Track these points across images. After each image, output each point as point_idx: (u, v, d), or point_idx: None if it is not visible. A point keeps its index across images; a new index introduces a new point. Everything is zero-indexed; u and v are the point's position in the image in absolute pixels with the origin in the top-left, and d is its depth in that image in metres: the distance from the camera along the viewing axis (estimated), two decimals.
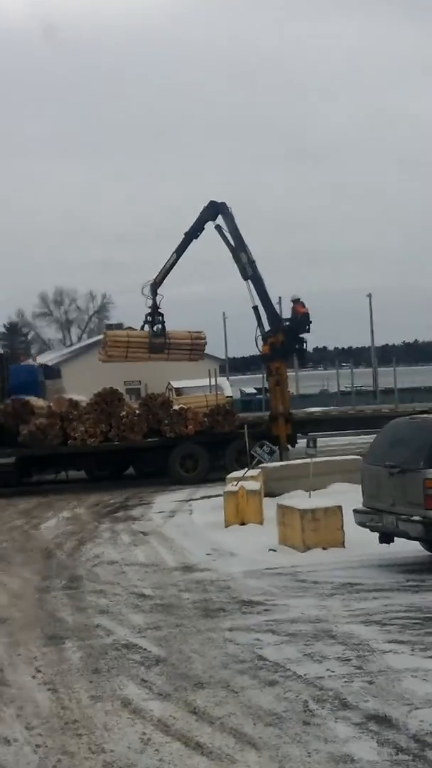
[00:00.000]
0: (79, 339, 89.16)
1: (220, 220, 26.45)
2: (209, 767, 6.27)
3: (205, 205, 26.78)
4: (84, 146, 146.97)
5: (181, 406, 25.46)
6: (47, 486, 25.66)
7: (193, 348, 27.58)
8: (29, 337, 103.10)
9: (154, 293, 27.47)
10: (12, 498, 23.29)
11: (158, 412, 24.96)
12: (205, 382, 28.51)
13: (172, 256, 27.34)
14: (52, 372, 33.91)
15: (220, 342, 47.50)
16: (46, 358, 53.24)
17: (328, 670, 8.05)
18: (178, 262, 27.35)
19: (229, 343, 46.88)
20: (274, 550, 13.68)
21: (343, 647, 8.70)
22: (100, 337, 61.26)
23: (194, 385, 29.43)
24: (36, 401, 25.80)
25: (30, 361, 38.38)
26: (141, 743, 6.76)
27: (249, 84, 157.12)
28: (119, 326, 59.01)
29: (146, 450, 25.53)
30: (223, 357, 47.99)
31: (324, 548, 13.20)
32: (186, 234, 27.05)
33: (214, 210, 26.53)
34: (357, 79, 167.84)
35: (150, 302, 27.53)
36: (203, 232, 26.89)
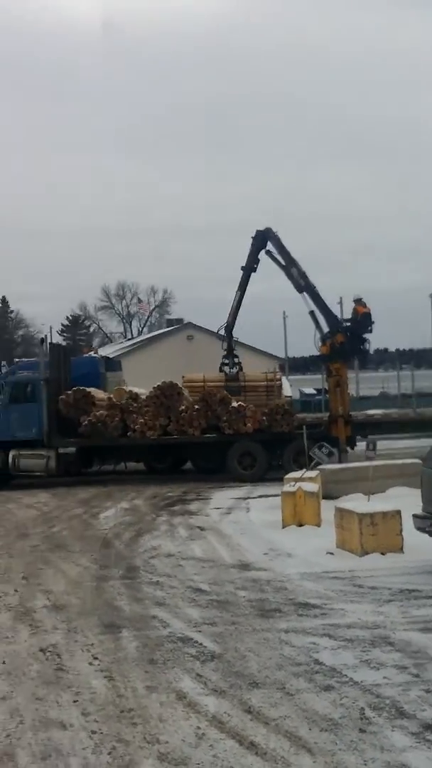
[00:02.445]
0: (140, 332, 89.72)
1: (268, 245, 26.81)
2: None
3: (253, 236, 27.18)
4: (145, 141, 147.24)
5: (240, 403, 25.42)
6: (107, 476, 25.91)
7: (269, 389, 27.50)
8: (91, 329, 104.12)
9: (230, 336, 27.79)
10: (73, 487, 23.59)
11: (217, 409, 24.97)
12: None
13: (236, 294, 27.78)
14: (113, 364, 34.03)
15: (280, 341, 47.15)
16: (108, 351, 53.61)
17: (385, 677, 7.99)
18: (244, 298, 27.76)
19: (289, 343, 46.59)
20: (332, 554, 13.58)
21: (400, 654, 8.64)
22: (161, 331, 61.92)
23: None
24: (97, 393, 25.98)
25: (92, 354, 38.53)
26: (195, 737, 6.80)
27: (304, 81, 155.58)
28: (179, 321, 59.49)
29: (204, 445, 25.57)
30: (283, 356, 47.70)
31: (382, 553, 13.07)
32: (243, 269, 27.47)
33: (262, 238, 26.92)
34: (414, 76, 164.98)
35: (225, 345, 27.80)
36: (259, 263, 27.26)
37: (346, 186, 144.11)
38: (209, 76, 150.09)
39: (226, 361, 27.74)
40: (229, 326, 27.88)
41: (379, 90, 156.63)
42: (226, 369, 27.60)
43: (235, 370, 27.51)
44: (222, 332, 28.00)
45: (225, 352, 27.84)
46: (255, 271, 27.36)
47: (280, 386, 27.95)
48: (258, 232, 27.05)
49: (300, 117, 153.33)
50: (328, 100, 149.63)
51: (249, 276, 27.43)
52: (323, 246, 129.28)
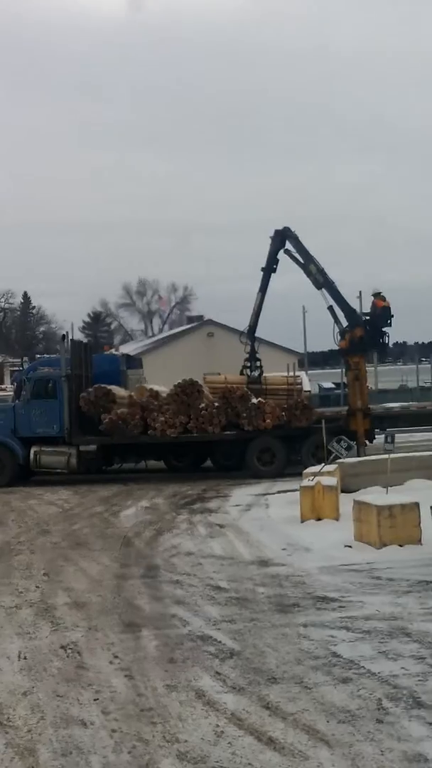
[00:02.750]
0: (161, 330, 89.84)
1: (287, 244, 26.83)
2: (281, 763, 6.35)
3: (271, 236, 27.20)
4: (166, 135, 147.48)
5: (259, 399, 25.43)
6: (127, 474, 26.00)
7: (289, 393, 27.39)
8: (112, 327, 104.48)
9: (252, 339, 27.78)
10: (93, 485, 23.71)
11: (237, 405, 25.00)
12: (283, 375, 28.45)
13: (257, 296, 27.71)
14: (134, 362, 34.11)
15: (299, 336, 47.21)
16: (128, 348, 53.78)
17: (402, 668, 8.06)
18: (265, 299, 27.68)
19: (308, 337, 46.65)
20: (350, 546, 13.63)
21: (418, 645, 8.70)
22: (182, 328, 62.05)
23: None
24: (118, 391, 26.03)
25: (112, 351, 38.75)
26: (214, 735, 6.88)
27: (327, 80, 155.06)
28: (200, 318, 59.57)
29: (224, 443, 25.64)
30: (302, 351, 47.69)
31: (400, 545, 13.10)
32: (263, 270, 27.46)
33: (281, 238, 26.94)
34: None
35: (248, 348, 27.82)
36: (278, 264, 27.26)
37: (368, 181, 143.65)
38: (232, 71, 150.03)
39: (248, 365, 27.77)
40: (252, 329, 27.88)
41: (400, 85, 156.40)
42: (248, 371, 27.60)
43: (257, 373, 27.52)
44: (245, 337, 27.98)
45: (247, 356, 27.85)
46: (275, 271, 27.36)
47: (301, 390, 27.79)
48: (276, 231, 27.05)
49: (322, 112, 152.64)
50: (348, 94, 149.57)
51: (269, 277, 27.43)
52: (343, 241, 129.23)
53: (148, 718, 7.27)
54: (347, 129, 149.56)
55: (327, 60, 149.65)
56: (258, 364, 27.69)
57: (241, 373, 27.55)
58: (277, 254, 27.06)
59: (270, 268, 27.30)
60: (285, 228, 26.91)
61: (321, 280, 25.93)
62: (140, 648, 9.18)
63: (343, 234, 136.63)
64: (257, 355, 27.77)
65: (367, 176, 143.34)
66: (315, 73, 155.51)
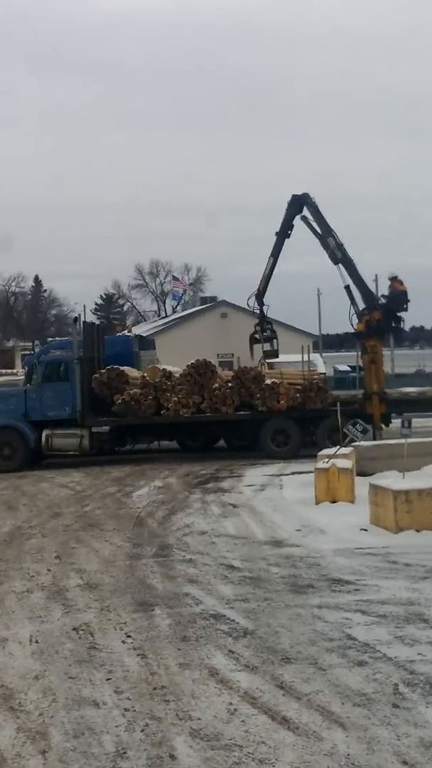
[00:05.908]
0: (174, 311, 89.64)
1: (305, 211, 26.40)
2: (295, 743, 6.27)
3: (288, 200, 26.82)
4: (184, 120, 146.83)
5: (273, 380, 25.26)
6: (140, 455, 25.93)
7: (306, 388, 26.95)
8: (125, 308, 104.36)
9: (261, 303, 27.57)
10: (106, 466, 23.64)
11: (250, 386, 24.86)
12: (297, 357, 28.28)
13: (269, 261, 27.38)
14: (147, 343, 34.03)
15: (314, 318, 47.13)
16: (141, 330, 53.66)
17: (419, 654, 7.94)
18: (277, 264, 27.39)
19: (323, 320, 46.58)
20: (366, 530, 13.51)
21: None
22: (195, 309, 61.90)
23: (287, 361, 29.18)
24: (131, 371, 25.96)
25: (125, 332, 38.57)
26: (228, 713, 6.82)
27: (352, 60, 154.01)
28: (213, 299, 59.40)
29: (237, 423, 25.52)
30: (317, 333, 47.56)
31: (417, 530, 12.95)
32: (277, 234, 27.04)
33: (299, 203, 26.53)
34: None
35: (258, 313, 27.67)
36: (293, 229, 26.93)
37: (390, 163, 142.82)
38: (250, 54, 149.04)
39: (258, 329, 27.57)
40: (261, 293, 27.51)
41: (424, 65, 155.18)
42: (257, 336, 27.45)
43: (267, 334, 27.34)
44: (253, 300, 27.74)
45: (257, 320, 27.66)
46: (289, 237, 26.87)
47: (317, 385, 27.10)
48: (294, 196, 26.53)
49: (341, 94, 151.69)
50: (370, 77, 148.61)
51: (283, 241, 26.97)
52: (364, 223, 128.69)
53: (161, 697, 7.20)
54: (369, 110, 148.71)
55: (354, 39, 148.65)
56: (269, 326, 27.45)
57: (252, 337, 27.37)
58: (292, 219, 26.57)
59: (284, 232, 26.81)
60: (304, 194, 26.35)
61: (339, 255, 25.46)
62: (153, 627, 9.11)
63: (364, 216, 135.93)
64: (268, 320, 27.56)
65: (393, 157, 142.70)
66: (339, 52, 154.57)
